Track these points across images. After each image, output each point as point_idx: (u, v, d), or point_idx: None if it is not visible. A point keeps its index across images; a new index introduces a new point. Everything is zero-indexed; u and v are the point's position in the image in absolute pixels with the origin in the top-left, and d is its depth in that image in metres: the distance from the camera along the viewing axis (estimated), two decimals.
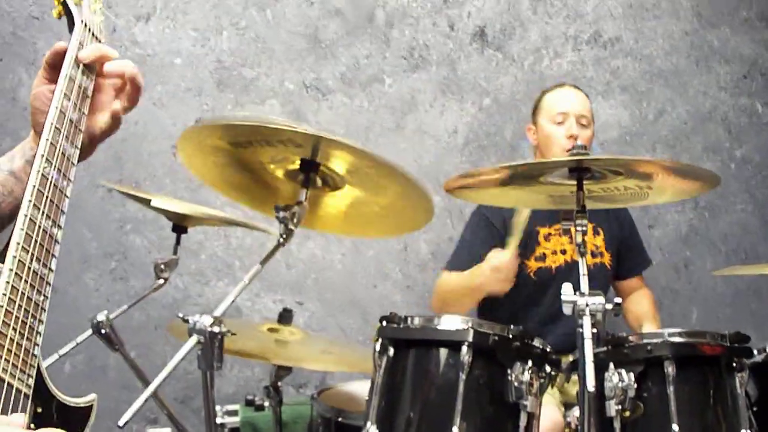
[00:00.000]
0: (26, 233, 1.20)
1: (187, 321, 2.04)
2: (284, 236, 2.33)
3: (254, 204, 2.64)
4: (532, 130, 3.41)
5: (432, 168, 3.90)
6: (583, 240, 2.06)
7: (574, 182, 2.18)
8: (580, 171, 2.14)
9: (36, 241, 1.21)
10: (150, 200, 2.60)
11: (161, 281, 2.75)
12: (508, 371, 2.14)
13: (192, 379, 3.54)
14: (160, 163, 3.61)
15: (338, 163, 2.40)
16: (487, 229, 3.31)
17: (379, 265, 3.87)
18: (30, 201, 1.24)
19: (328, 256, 3.81)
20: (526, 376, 2.13)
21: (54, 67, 1.51)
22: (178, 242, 2.80)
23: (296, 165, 2.38)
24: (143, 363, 2.85)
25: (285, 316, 2.79)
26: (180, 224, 2.75)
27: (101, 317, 2.64)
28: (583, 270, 2.01)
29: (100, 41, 1.65)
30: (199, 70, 3.66)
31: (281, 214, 2.31)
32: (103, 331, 2.62)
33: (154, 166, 3.60)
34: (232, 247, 3.70)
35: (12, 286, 1.13)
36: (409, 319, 2.28)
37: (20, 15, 3.49)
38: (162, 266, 2.73)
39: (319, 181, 2.41)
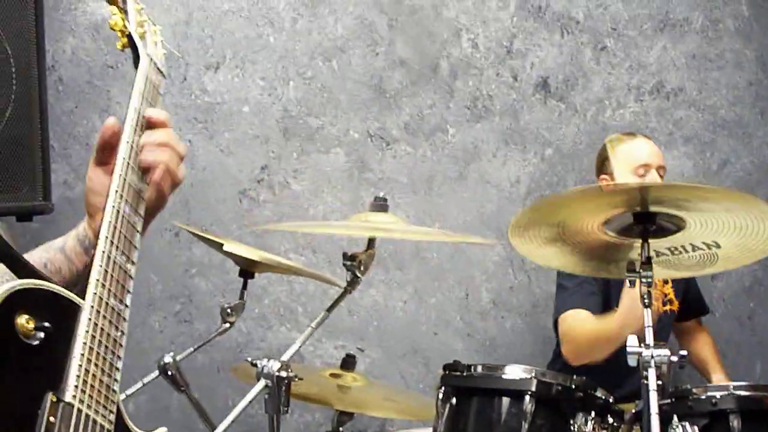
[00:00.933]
0: (104, 269, 1.22)
1: (255, 365, 2.08)
2: (351, 284, 2.37)
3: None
4: (605, 180, 3.38)
5: (494, 217, 3.92)
6: (648, 292, 2.06)
7: (639, 239, 2.19)
8: (645, 222, 2.15)
9: (112, 276, 1.23)
10: (222, 244, 2.65)
11: (227, 325, 2.80)
12: (571, 421, 2.14)
13: (254, 422, 3.58)
14: (226, 209, 3.68)
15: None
16: (593, 282, 3.23)
17: (441, 313, 3.89)
18: (106, 237, 1.26)
19: (390, 303, 3.84)
20: (589, 427, 2.14)
21: (104, 149, 1.50)
22: (244, 287, 2.85)
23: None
24: (206, 405, 2.90)
25: (348, 362, 2.82)
26: (248, 269, 2.80)
27: (168, 359, 2.70)
28: (648, 322, 2.02)
29: (163, 74, 1.69)
30: (266, 118, 3.73)
31: (348, 262, 2.35)
32: (169, 373, 2.68)
33: (221, 211, 3.67)
34: (295, 292, 3.75)
35: (93, 322, 1.15)
36: (473, 367, 2.30)
37: (96, 64, 3.60)
38: (228, 310, 2.79)
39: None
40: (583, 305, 3.13)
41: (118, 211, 1.29)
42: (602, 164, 3.40)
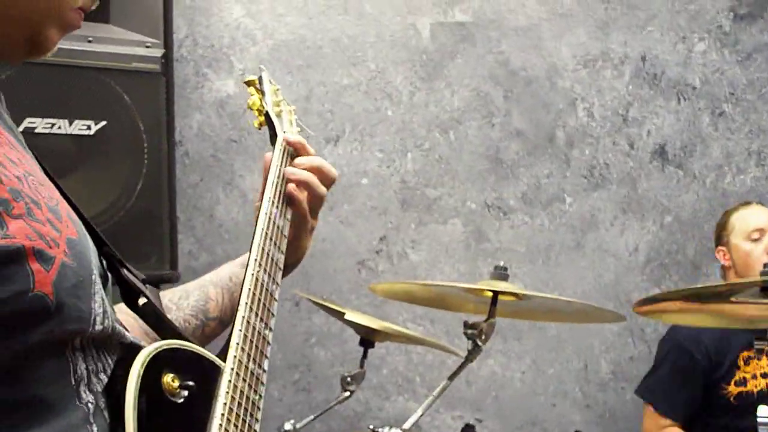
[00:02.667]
0: (243, 334, 1.24)
1: None
2: (472, 353, 2.38)
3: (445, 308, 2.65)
4: (722, 252, 3.36)
5: (612, 287, 3.89)
6: None
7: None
8: None
9: (252, 341, 1.25)
10: (344, 313, 2.69)
11: (347, 393, 2.83)
12: None
13: None
14: (345, 279, 3.73)
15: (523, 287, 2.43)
16: (691, 368, 3.22)
17: (559, 384, 3.85)
18: (246, 303, 1.28)
19: (508, 374, 3.82)
20: None
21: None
22: (365, 356, 2.88)
23: None
24: None
25: None
26: (368, 338, 2.84)
27: (288, 426, 2.74)
28: None
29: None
30: (385, 190, 3.80)
31: (469, 331, 2.37)
32: None
33: (340, 281, 3.73)
34: (413, 362, 3.77)
35: (233, 384, 1.16)
36: None
37: (220, 139, 3.73)
38: (348, 379, 2.81)
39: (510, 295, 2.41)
40: (668, 408, 3.13)
41: (257, 279, 1.33)
42: (719, 236, 3.39)
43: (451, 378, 2.40)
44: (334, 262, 3.74)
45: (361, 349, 2.86)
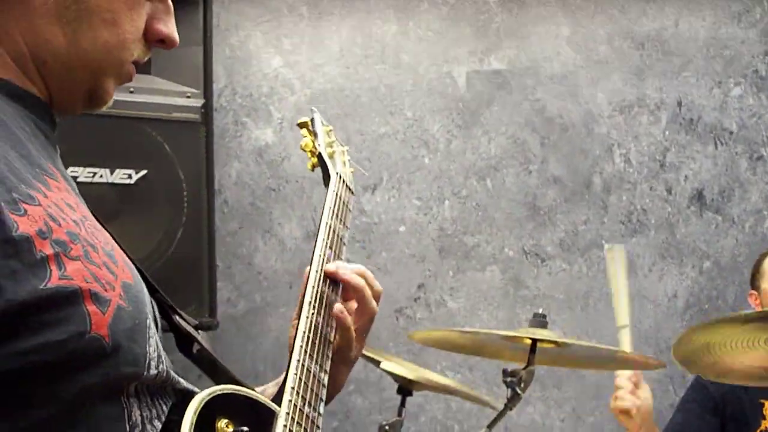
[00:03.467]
0: (298, 377, 1.24)
1: None
2: (511, 401, 2.37)
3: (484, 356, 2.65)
4: (754, 296, 3.33)
5: (652, 333, 3.86)
6: None
7: None
8: None
9: (307, 384, 1.24)
10: (380, 362, 2.69)
11: None
12: None
13: None
14: (383, 327, 3.73)
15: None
16: (711, 411, 3.19)
17: None
18: (301, 346, 1.28)
19: (547, 422, 3.79)
20: None
21: None
22: (403, 404, 2.87)
23: None
24: None
25: None
26: (406, 387, 2.83)
27: None
28: None
29: (352, 191, 1.72)
30: (423, 238, 3.81)
31: (509, 379, 2.36)
32: None
33: (378, 329, 3.73)
34: (452, 410, 3.75)
35: (288, 429, 1.16)
36: None
37: (259, 187, 3.76)
38: (387, 427, 2.80)
39: (549, 343, 2.44)
40: None
41: (312, 323, 1.32)
42: (752, 279, 3.36)
43: (490, 426, 2.39)
44: None
45: (399, 397, 2.85)
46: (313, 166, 1.79)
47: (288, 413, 1.17)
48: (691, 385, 3.34)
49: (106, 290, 0.95)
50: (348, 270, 1.45)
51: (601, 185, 3.94)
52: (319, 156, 1.75)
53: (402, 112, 3.84)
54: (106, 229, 1.12)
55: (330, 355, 1.32)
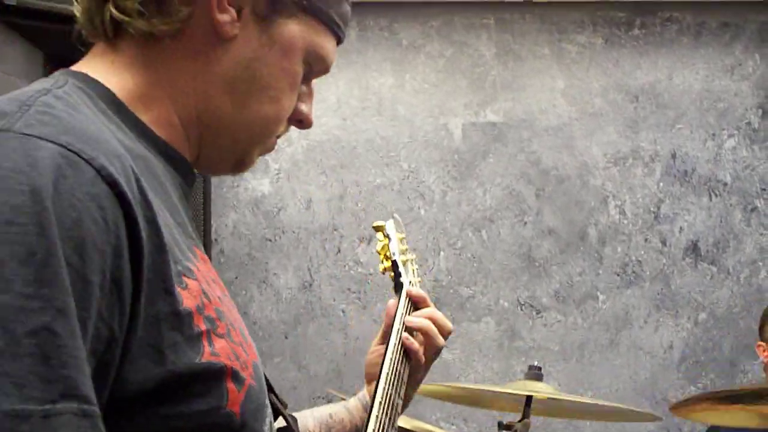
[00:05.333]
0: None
1: None
2: None
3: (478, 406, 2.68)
4: (762, 347, 3.33)
5: (648, 385, 3.86)
6: None
7: None
8: None
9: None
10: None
11: None
12: None
13: None
14: None
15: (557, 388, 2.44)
16: None
17: None
18: (377, 416, 1.38)
19: None
20: None
21: (387, 329, 1.64)
22: None
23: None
24: None
25: None
26: None
27: None
28: None
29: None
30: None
31: None
32: None
33: None
34: None
35: None
36: None
37: (255, 237, 3.78)
38: None
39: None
40: None
41: (380, 422, 1.42)
42: (761, 330, 3.35)
43: None
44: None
45: None
46: (385, 270, 1.83)
47: None
48: None
49: (242, 369, 1.00)
50: (415, 318, 1.64)
51: (596, 237, 3.96)
52: (394, 263, 1.80)
53: (398, 163, 3.87)
54: None
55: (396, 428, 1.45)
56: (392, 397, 1.48)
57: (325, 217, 3.80)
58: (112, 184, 0.88)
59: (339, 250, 3.80)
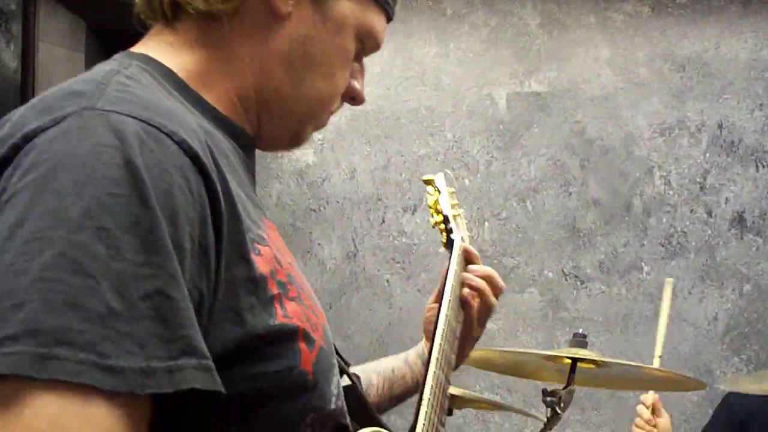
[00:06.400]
0: (426, 429, 1.31)
1: None
2: (550, 420, 2.37)
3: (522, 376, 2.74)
4: None
5: (691, 356, 3.84)
6: None
7: None
8: None
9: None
10: None
11: None
12: None
13: None
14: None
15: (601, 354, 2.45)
16: (726, 424, 3.21)
17: None
18: (428, 399, 1.35)
19: None
20: None
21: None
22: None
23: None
24: None
25: None
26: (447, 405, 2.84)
27: None
28: None
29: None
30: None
31: (548, 399, 2.36)
32: None
33: None
34: (490, 431, 3.75)
35: None
36: None
37: (299, 207, 3.80)
38: None
39: (589, 362, 2.45)
40: None
41: (437, 378, 1.39)
42: None
43: None
44: (411, 331, 3.76)
45: None
46: (435, 224, 1.81)
47: None
48: (720, 404, 3.33)
49: (313, 331, 1.03)
50: (474, 276, 1.63)
51: (641, 207, 3.94)
52: (445, 218, 1.78)
53: (442, 133, 3.87)
54: None
55: (446, 409, 1.42)
56: (448, 354, 1.48)
57: (369, 188, 3.81)
58: (194, 157, 0.92)
59: (383, 221, 3.81)
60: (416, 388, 1.55)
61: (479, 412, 3.74)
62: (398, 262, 3.79)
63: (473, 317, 1.60)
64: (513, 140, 3.90)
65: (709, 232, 3.97)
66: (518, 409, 2.98)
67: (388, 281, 3.76)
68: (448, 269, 1.62)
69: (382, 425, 1.23)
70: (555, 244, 3.87)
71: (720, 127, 4.03)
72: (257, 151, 1.19)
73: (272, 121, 1.16)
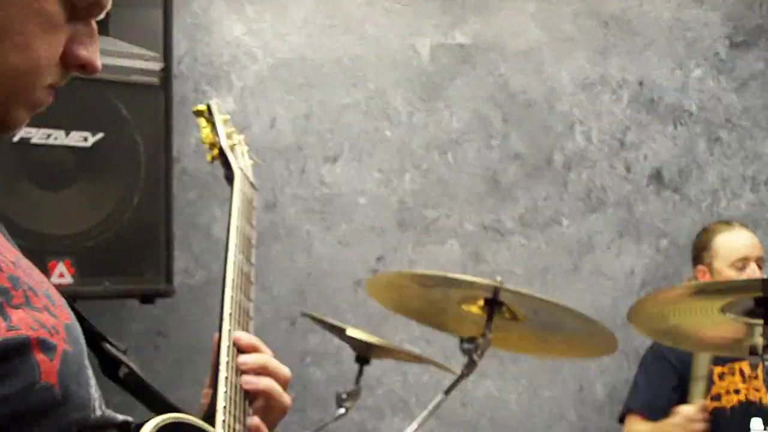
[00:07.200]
0: (229, 396, 1.24)
1: None
2: (467, 368, 2.38)
3: (440, 328, 2.70)
4: (702, 271, 3.41)
5: (609, 310, 3.88)
6: None
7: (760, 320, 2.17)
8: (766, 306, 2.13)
9: (235, 401, 1.26)
10: (345, 329, 2.69)
11: (342, 410, 2.82)
12: None
13: None
14: (342, 299, 3.73)
15: (519, 303, 2.47)
16: (667, 372, 3.30)
17: (555, 407, 3.84)
18: (226, 362, 1.29)
19: (503, 396, 3.81)
20: None
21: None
22: (360, 373, 2.88)
23: (481, 303, 2.45)
24: None
25: None
26: (364, 355, 2.83)
27: None
28: None
29: (254, 187, 1.64)
30: (383, 210, 3.80)
31: (465, 346, 2.37)
32: None
33: (337, 300, 3.73)
34: (408, 383, 3.76)
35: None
36: None
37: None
38: (344, 396, 2.81)
39: (506, 313, 2.47)
40: (648, 408, 3.26)
41: (230, 383, 1.29)
42: (699, 255, 3.43)
43: (447, 392, 2.39)
44: (331, 281, 3.74)
45: (357, 367, 2.86)
46: (213, 159, 1.70)
47: (224, 421, 1.20)
48: (651, 357, 3.40)
49: (51, 335, 0.93)
50: (252, 378, 1.34)
51: (561, 162, 3.96)
52: (221, 149, 1.67)
53: (365, 83, 3.83)
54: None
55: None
56: (242, 303, 1.38)
57: (290, 137, 3.76)
58: None
59: (304, 171, 3.76)
60: None
61: (398, 362, 3.74)
62: (319, 213, 3.75)
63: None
64: (436, 92, 3.87)
65: (628, 187, 4.01)
66: (435, 361, 2.98)
67: (308, 232, 3.73)
68: (231, 207, 1.50)
69: (172, 407, 1.14)
70: (476, 196, 3.87)
71: (641, 84, 4.07)
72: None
73: None
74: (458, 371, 2.51)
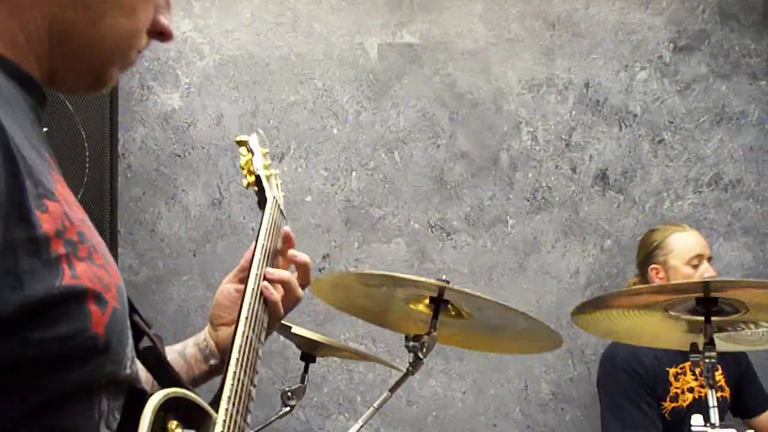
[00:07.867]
0: (235, 389, 1.31)
1: None
2: (413, 366, 2.39)
3: (386, 326, 2.71)
4: (656, 270, 3.44)
5: (553, 308, 3.92)
6: (713, 372, 2.07)
7: (702, 318, 2.20)
8: (708, 303, 2.16)
9: (240, 396, 1.32)
10: (290, 327, 2.68)
11: (287, 408, 2.81)
12: None
13: None
14: None
15: (464, 302, 2.48)
16: (643, 389, 3.32)
17: (500, 404, 3.87)
18: (237, 359, 1.35)
19: (449, 394, 3.83)
20: None
21: (244, 270, 1.61)
22: (306, 371, 2.87)
23: (427, 301, 2.46)
24: None
25: None
26: (310, 353, 2.82)
27: None
28: (712, 402, 2.02)
29: (284, 216, 1.78)
30: (329, 208, 3.80)
31: (411, 344, 2.37)
32: None
33: None
34: (354, 381, 3.76)
35: None
36: None
37: (164, 153, 3.71)
38: (289, 393, 2.79)
39: (451, 311, 2.48)
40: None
41: (247, 337, 1.39)
42: (650, 254, 3.46)
43: (392, 390, 2.40)
44: None
45: (303, 365, 2.85)
46: (248, 185, 1.81)
47: (225, 420, 1.25)
48: (613, 367, 3.40)
49: (105, 292, 1.00)
50: (275, 270, 1.56)
51: (507, 162, 3.98)
52: (257, 177, 1.78)
53: (312, 81, 3.82)
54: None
55: (257, 370, 1.41)
56: (258, 312, 1.47)
57: (236, 134, 3.73)
58: None
59: None
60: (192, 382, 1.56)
61: (344, 361, 3.75)
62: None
63: (277, 313, 1.53)
64: (383, 91, 3.88)
65: (573, 188, 4.04)
66: (381, 359, 2.98)
67: (253, 229, 3.71)
68: (260, 228, 1.62)
69: (182, 385, 1.20)
70: (422, 195, 3.89)
71: (587, 86, 4.10)
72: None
73: (69, 62, 1.09)
74: (404, 369, 2.51)
